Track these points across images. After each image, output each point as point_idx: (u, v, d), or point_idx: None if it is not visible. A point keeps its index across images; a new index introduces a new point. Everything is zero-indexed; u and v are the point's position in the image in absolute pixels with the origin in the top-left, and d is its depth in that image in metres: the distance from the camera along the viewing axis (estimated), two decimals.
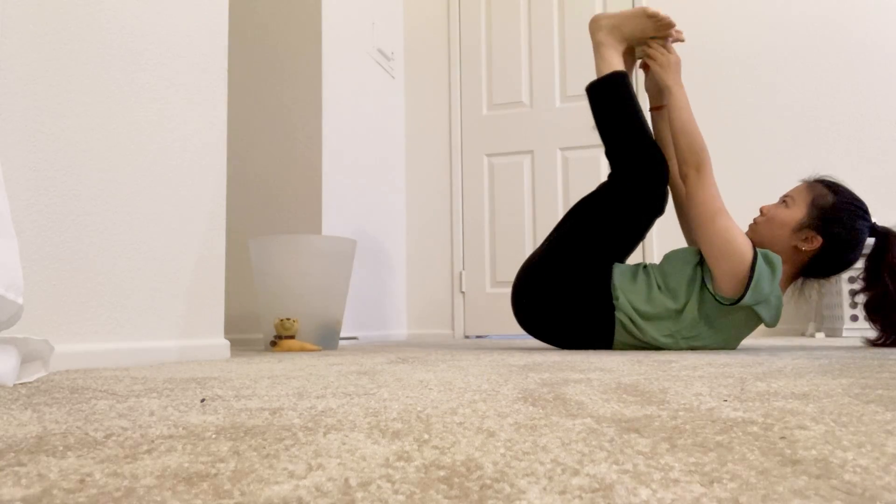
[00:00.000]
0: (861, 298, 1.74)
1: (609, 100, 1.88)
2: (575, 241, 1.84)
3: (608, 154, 1.89)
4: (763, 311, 1.64)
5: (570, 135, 3.42)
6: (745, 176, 3.16)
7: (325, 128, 2.74)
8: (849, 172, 3.03)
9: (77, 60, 1.29)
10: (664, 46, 1.85)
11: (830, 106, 3.08)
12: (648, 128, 1.87)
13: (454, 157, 3.61)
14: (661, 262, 1.80)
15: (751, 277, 1.57)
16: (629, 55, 1.97)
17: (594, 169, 3.36)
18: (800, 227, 1.64)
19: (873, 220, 1.71)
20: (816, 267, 1.69)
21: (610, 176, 1.87)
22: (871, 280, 1.69)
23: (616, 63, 1.91)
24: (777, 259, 1.61)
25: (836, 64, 3.10)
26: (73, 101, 1.28)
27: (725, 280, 1.60)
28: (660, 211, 1.84)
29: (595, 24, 1.97)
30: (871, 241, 1.72)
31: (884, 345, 1.69)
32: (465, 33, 3.67)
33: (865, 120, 3.04)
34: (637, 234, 1.84)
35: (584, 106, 3.40)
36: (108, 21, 1.38)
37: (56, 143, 1.24)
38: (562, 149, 3.43)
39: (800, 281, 1.74)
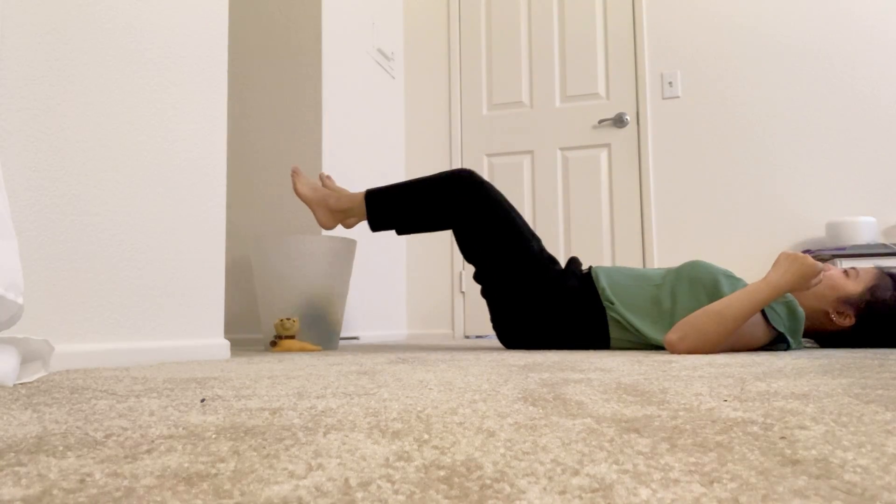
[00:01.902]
0: None
1: (388, 203, 1.89)
2: (497, 273, 1.87)
3: (432, 223, 1.90)
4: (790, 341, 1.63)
5: (570, 135, 3.42)
6: (742, 180, 3.16)
7: (324, 127, 2.74)
8: (848, 172, 3.03)
9: (77, 60, 1.29)
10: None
11: (827, 106, 3.08)
12: (418, 178, 1.91)
13: (454, 157, 3.61)
14: (681, 281, 1.73)
15: (768, 319, 1.56)
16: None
17: (594, 169, 3.36)
18: (845, 300, 1.62)
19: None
20: (828, 340, 1.69)
21: (451, 226, 1.91)
22: None
23: (355, 195, 1.93)
24: (801, 314, 1.60)
25: (830, 66, 3.10)
26: (73, 102, 1.28)
27: (757, 344, 1.60)
28: (484, 187, 1.87)
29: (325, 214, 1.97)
30: None
31: None
32: (465, 33, 3.67)
33: (863, 120, 3.04)
34: (514, 215, 1.89)
35: (584, 106, 3.40)
36: (109, 21, 1.37)
37: (56, 143, 1.24)
38: (562, 149, 3.43)
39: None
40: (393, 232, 3.47)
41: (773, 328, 1.56)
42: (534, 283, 1.83)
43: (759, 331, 1.56)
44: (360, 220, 1.97)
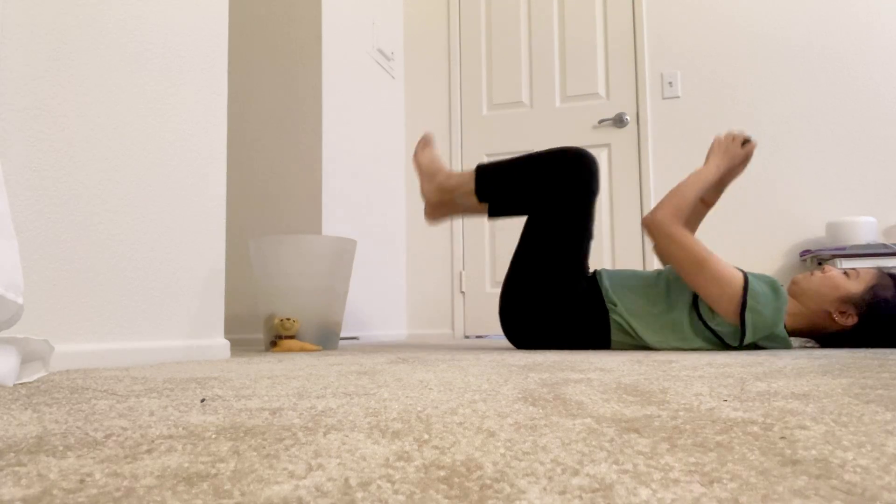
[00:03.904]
0: None
1: (498, 177, 1.90)
2: (539, 251, 1.85)
3: (532, 197, 1.87)
4: (772, 345, 1.64)
5: (570, 135, 3.42)
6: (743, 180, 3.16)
7: (325, 128, 2.73)
8: (848, 172, 3.03)
9: (77, 60, 1.29)
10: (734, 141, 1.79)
11: (828, 106, 3.08)
12: (533, 153, 1.91)
13: (454, 157, 3.61)
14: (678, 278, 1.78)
15: (744, 303, 1.57)
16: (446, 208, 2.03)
17: None
18: (846, 300, 1.63)
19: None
20: (829, 341, 1.70)
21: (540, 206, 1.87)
22: None
23: (465, 173, 1.94)
24: (778, 284, 1.62)
25: (830, 66, 3.10)
26: (73, 102, 1.28)
27: (722, 308, 1.61)
28: (592, 188, 1.85)
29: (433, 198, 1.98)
30: None
31: None
32: (465, 33, 3.67)
33: (863, 120, 3.04)
34: (587, 223, 1.88)
35: (584, 106, 3.41)
36: (109, 21, 1.37)
37: (56, 143, 1.24)
38: None
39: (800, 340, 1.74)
40: (406, 229, 3.47)
41: (743, 298, 1.57)
42: (560, 281, 1.82)
43: (732, 277, 1.60)
44: (463, 211, 1.97)
